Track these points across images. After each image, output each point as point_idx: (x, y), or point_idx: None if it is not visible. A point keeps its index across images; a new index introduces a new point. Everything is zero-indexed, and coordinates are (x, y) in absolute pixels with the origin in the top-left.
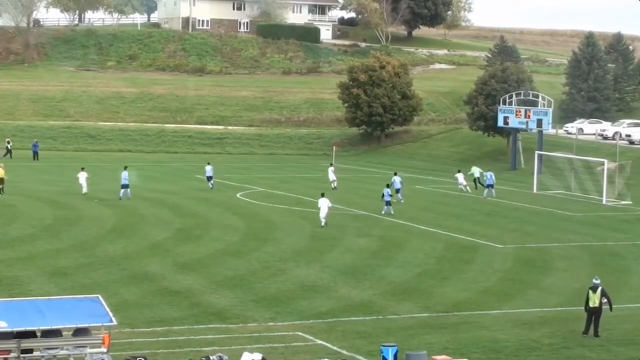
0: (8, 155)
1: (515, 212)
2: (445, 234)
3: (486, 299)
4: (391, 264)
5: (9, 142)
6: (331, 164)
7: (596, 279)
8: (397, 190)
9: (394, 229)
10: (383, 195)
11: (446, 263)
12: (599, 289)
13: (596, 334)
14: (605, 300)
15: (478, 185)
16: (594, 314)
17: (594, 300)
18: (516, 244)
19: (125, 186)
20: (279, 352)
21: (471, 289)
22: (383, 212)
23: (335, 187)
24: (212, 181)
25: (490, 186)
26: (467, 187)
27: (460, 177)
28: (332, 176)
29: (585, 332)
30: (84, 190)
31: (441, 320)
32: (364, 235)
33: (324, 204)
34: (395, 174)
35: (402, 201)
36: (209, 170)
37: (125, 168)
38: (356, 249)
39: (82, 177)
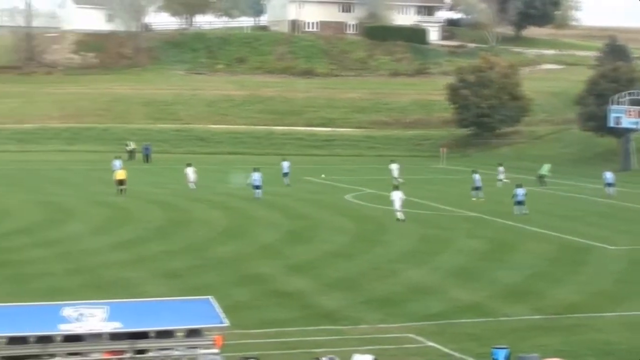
0: (131, 157)
1: (628, 213)
2: (557, 236)
3: (599, 301)
4: (502, 266)
5: (127, 145)
6: (392, 161)
7: None
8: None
9: (505, 231)
10: (514, 196)
11: (558, 265)
12: None
13: None
14: None
15: (543, 182)
16: None
17: None
18: (630, 245)
19: (257, 187)
20: (390, 353)
21: (584, 291)
22: (516, 213)
23: (400, 183)
24: (287, 178)
25: (610, 185)
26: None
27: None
28: (395, 172)
29: None
30: (192, 186)
31: (553, 322)
32: (474, 237)
33: (397, 197)
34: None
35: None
36: (285, 167)
37: (255, 170)
38: (466, 250)
39: (191, 171)
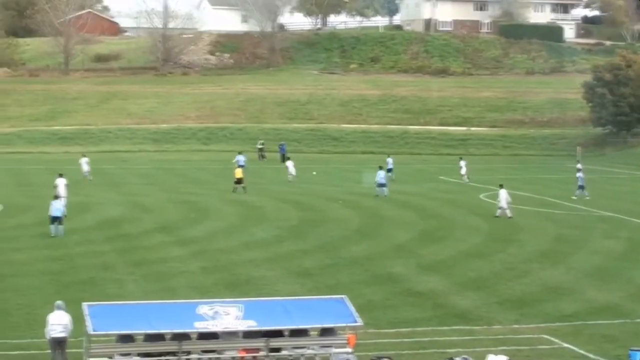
0: (262, 157)
1: None
2: None
3: None
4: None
5: (262, 144)
6: (461, 158)
7: None
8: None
9: None
10: None
11: None
12: None
13: None
14: None
15: None
16: None
17: None
18: None
19: (381, 185)
20: (524, 354)
21: None
22: None
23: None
24: (392, 174)
25: None
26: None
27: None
28: (463, 170)
29: None
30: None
31: None
32: (611, 237)
33: (503, 196)
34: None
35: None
36: (390, 163)
37: (381, 168)
38: (602, 250)
39: (290, 165)
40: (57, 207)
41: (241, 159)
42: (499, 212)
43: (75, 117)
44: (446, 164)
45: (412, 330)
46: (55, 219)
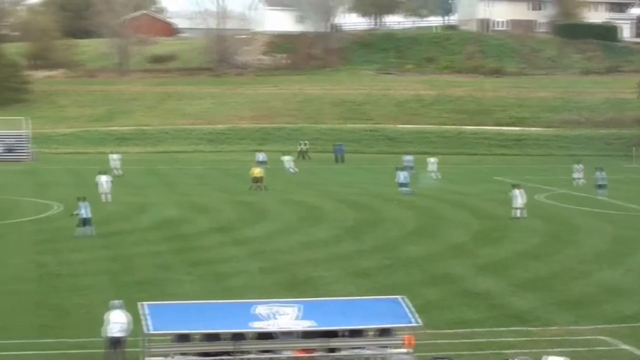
0: (304, 157)
1: None
2: None
3: None
4: None
5: (305, 144)
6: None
7: None
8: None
9: None
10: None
11: None
12: None
13: None
14: None
15: None
16: None
17: None
18: None
19: (402, 185)
20: (582, 356)
21: None
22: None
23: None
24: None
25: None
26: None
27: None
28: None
29: None
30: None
31: None
32: None
33: (518, 195)
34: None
35: None
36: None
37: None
38: None
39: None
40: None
41: (261, 156)
42: (517, 212)
43: (133, 118)
44: (501, 164)
45: (469, 331)
46: (84, 222)
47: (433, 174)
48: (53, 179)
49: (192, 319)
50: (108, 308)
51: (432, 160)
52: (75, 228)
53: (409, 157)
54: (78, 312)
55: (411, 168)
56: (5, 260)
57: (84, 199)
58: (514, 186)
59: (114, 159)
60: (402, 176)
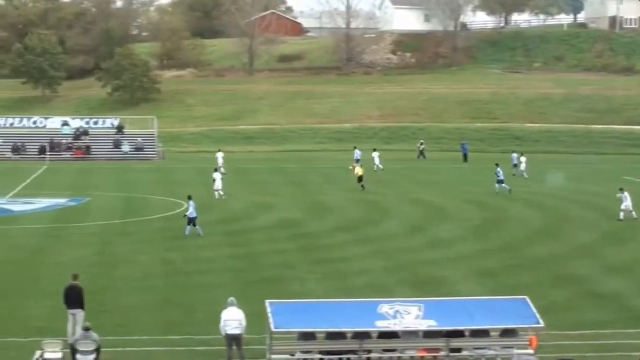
0: (422, 157)
1: None
2: None
3: None
4: None
5: (422, 144)
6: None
7: None
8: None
9: None
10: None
11: None
12: None
13: None
14: None
15: None
16: None
17: None
18: None
19: (500, 182)
20: None
21: None
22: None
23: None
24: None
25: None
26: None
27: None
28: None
29: None
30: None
31: None
32: None
33: (625, 198)
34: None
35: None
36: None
37: (498, 165)
38: None
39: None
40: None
41: (358, 154)
42: (622, 215)
43: (260, 117)
44: (632, 164)
45: (596, 333)
46: (191, 221)
47: (524, 173)
48: (181, 178)
49: (317, 318)
50: (226, 306)
51: (522, 159)
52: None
53: (516, 155)
54: (204, 309)
55: (515, 166)
56: (135, 257)
57: (190, 198)
58: (621, 190)
59: (218, 157)
60: (501, 173)
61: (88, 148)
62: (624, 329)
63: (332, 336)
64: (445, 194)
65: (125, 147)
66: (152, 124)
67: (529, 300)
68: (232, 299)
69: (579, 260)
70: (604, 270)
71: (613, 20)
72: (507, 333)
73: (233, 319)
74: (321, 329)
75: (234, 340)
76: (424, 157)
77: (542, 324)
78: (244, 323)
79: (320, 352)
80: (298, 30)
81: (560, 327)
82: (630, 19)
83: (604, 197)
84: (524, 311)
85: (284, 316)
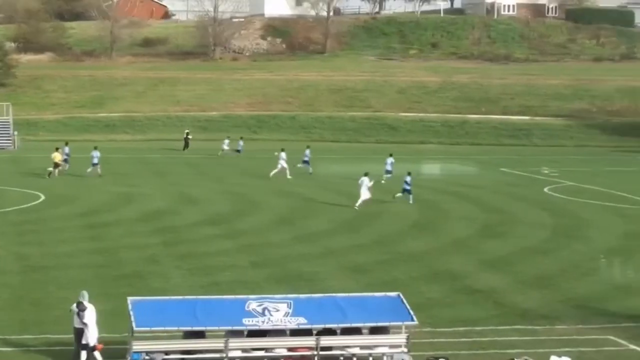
0: (186, 147)
1: None
2: None
3: None
4: None
5: (187, 133)
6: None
7: None
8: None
9: None
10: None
11: None
12: None
13: None
14: None
15: None
16: None
17: None
18: None
19: (94, 164)
20: (588, 356)
21: None
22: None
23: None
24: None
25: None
26: None
27: None
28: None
29: None
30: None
31: None
32: None
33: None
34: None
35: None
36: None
37: (96, 148)
38: None
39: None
40: None
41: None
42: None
43: (122, 104)
44: (507, 155)
45: (471, 330)
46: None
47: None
48: (38, 168)
49: (181, 315)
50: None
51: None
52: None
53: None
54: (61, 306)
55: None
56: None
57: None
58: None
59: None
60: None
61: None
62: (498, 325)
63: (191, 335)
64: (318, 185)
65: None
66: (6, 111)
67: (402, 297)
68: (83, 292)
69: (456, 254)
70: (480, 265)
71: (491, 6)
72: (379, 330)
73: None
74: (185, 327)
75: (81, 334)
76: (188, 146)
77: (415, 321)
78: (94, 316)
79: (183, 352)
80: (163, 13)
81: (435, 324)
82: (508, 5)
83: (480, 189)
84: (397, 307)
85: (147, 314)
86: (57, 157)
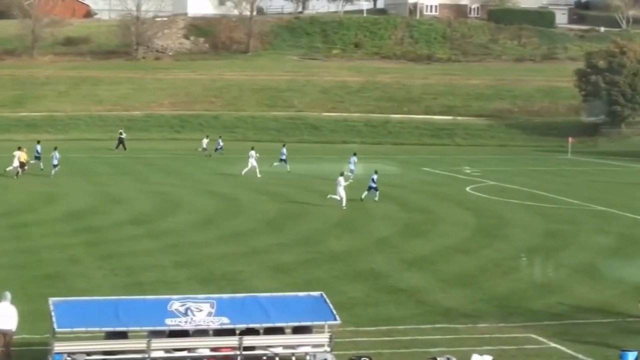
0: (121, 146)
1: None
2: None
3: None
4: (633, 264)
5: (121, 133)
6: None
7: None
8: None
9: (636, 226)
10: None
11: None
12: None
13: None
14: None
15: None
16: None
17: None
18: None
19: (54, 166)
20: (510, 354)
21: None
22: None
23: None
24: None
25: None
26: None
27: None
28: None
29: None
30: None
31: None
32: (602, 232)
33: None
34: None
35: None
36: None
37: (56, 149)
38: (594, 246)
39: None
40: None
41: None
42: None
43: (43, 103)
44: (431, 155)
45: (393, 329)
46: None
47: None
48: None
49: (104, 316)
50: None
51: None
52: None
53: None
54: None
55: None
56: None
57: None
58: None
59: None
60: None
61: None
62: (421, 324)
63: (114, 335)
64: (240, 185)
65: None
66: None
67: (325, 296)
68: (6, 292)
69: (378, 254)
70: (403, 264)
71: (413, 7)
72: (302, 330)
73: (3, 315)
74: (107, 327)
75: (3, 335)
76: (124, 147)
77: (338, 320)
78: (16, 319)
79: (105, 353)
80: (85, 12)
81: (357, 323)
82: (430, 6)
83: (403, 189)
84: (319, 307)
85: (68, 315)
86: (23, 156)
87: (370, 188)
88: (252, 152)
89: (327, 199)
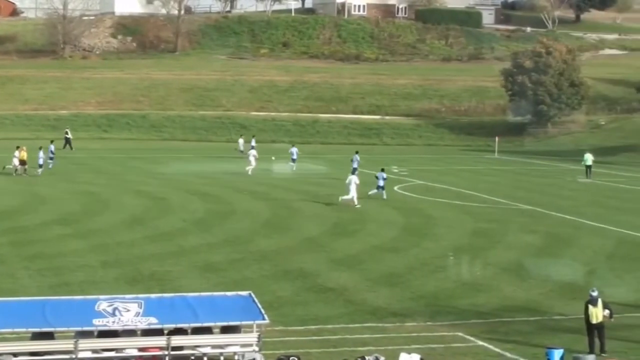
0: (68, 146)
1: None
2: (617, 230)
3: None
4: (559, 262)
5: (67, 133)
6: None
7: (593, 291)
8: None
9: (561, 225)
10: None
11: (617, 261)
12: (599, 301)
13: (603, 351)
14: (607, 312)
15: (590, 172)
16: (597, 330)
17: (596, 314)
18: None
19: (41, 165)
20: (437, 353)
21: None
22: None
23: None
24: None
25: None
26: None
27: None
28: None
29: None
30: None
31: (612, 321)
32: (529, 231)
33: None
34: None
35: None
36: (294, 152)
37: (40, 148)
38: (521, 245)
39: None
40: None
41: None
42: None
43: None
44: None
45: (322, 328)
46: None
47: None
48: None
49: (29, 316)
50: None
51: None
52: None
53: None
54: None
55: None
56: None
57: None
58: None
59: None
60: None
61: None
62: (349, 323)
63: (43, 336)
64: (169, 185)
65: None
66: None
67: (253, 295)
68: None
69: (307, 253)
70: (331, 263)
71: (341, 7)
72: (230, 329)
73: None
74: (34, 328)
75: None
76: (71, 147)
77: (267, 320)
78: None
79: (31, 353)
80: (11, 10)
81: (286, 323)
82: (358, 6)
83: (333, 188)
84: (248, 306)
85: None
86: (24, 155)
87: (378, 187)
88: (253, 151)
89: (340, 202)
